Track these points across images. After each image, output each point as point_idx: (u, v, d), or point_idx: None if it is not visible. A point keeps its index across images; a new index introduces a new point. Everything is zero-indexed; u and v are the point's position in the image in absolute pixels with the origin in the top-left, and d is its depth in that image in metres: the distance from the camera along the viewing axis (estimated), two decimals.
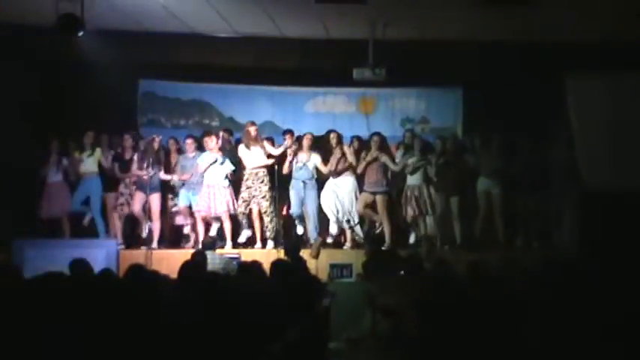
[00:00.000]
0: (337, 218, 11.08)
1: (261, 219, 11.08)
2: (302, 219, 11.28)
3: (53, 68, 11.64)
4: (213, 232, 11.10)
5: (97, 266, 7.30)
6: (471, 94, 12.45)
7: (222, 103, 12.79)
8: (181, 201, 11.28)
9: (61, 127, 11.63)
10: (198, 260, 8.14)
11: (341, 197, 11.10)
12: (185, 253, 9.75)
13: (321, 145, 11.47)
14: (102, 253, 10.12)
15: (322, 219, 11.26)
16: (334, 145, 11.20)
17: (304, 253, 9.60)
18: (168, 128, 12.54)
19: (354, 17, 10.59)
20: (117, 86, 11.67)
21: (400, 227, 11.39)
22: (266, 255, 9.95)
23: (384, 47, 11.00)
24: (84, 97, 11.84)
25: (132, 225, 11.50)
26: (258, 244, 11.07)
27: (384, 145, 11.36)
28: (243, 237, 11.12)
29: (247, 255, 10.12)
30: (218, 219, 11.08)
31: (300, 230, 11.33)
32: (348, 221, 10.99)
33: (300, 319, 5.59)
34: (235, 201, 11.02)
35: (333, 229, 11.11)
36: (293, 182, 11.20)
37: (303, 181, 11.12)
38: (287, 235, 11.28)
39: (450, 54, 11.45)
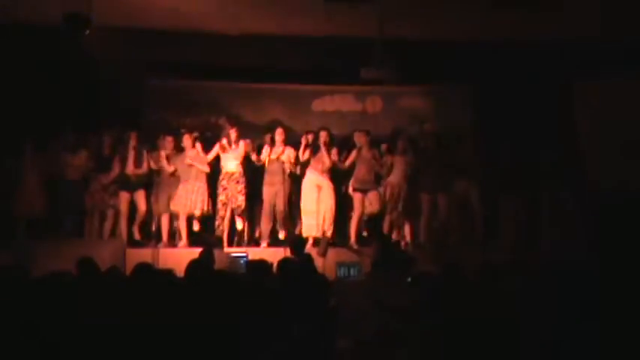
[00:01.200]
0: (315, 223, 10.92)
1: (234, 219, 11.03)
2: (274, 215, 11.13)
3: (59, 67, 11.61)
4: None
5: (104, 265, 7.29)
6: (479, 93, 12.44)
7: (229, 101, 12.78)
8: (160, 206, 11.14)
9: (64, 125, 11.55)
10: (205, 259, 8.13)
11: (321, 199, 10.93)
12: (192, 252, 9.75)
13: (310, 140, 11.33)
14: (108, 252, 10.09)
15: (294, 216, 11.16)
16: (321, 145, 11.06)
17: (311, 251, 9.58)
18: (175, 126, 12.51)
19: (361, 16, 10.56)
20: (124, 85, 11.67)
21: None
22: (273, 253, 9.91)
23: (392, 46, 10.95)
24: (90, 96, 11.83)
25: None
26: (225, 244, 10.98)
27: (369, 141, 11.23)
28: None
29: (254, 253, 10.10)
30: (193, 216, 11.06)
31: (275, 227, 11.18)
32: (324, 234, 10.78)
33: (308, 318, 5.57)
34: (209, 200, 10.95)
35: (308, 231, 10.95)
36: (266, 177, 11.06)
37: (278, 176, 10.96)
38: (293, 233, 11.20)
39: (458, 53, 11.44)
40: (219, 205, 10.96)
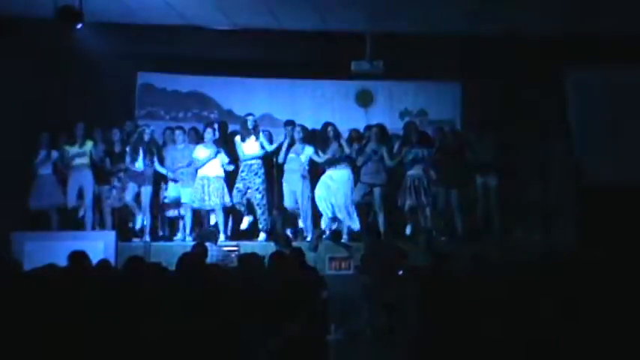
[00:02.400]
0: (327, 214, 10.96)
1: (254, 211, 11.08)
2: (295, 212, 11.24)
3: (51, 61, 11.58)
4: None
5: (96, 258, 7.31)
6: (470, 88, 12.45)
7: (220, 95, 12.78)
8: (170, 192, 11.23)
9: (58, 119, 11.54)
10: (198, 252, 8.15)
11: (334, 191, 10.94)
12: (184, 246, 9.77)
13: (317, 136, 11.43)
14: (100, 245, 10.10)
15: (315, 213, 11.19)
16: (331, 138, 11.14)
17: (303, 246, 9.60)
18: (167, 120, 12.54)
19: (352, 10, 10.59)
20: (115, 78, 11.65)
21: (396, 219, 11.33)
22: (265, 248, 9.94)
23: (383, 40, 10.99)
24: (82, 90, 11.81)
25: (124, 217, 11.43)
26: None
27: (383, 137, 11.30)
28: (245, 223, 11.13)
29: (246, 247, 10.12)
30: (211, 211, 11.13)
31: (294, 223, 11.31)
32: (335, 219, 10.83)
33: (299, 311, 5.60)
34: (229, 194, 11.01)
35: (324, 224, 11.03)
36: (286, 175, 11.15)
37: (296, 174, 11.04)
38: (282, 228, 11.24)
39: (448, 47, 11.44)
40: (242, 200, 11.01)
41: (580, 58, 11.16)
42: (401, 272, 7.93)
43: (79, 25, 9.38)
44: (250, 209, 11.14)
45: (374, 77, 11.62)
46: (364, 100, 12.82)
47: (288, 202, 11.14)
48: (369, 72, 11.05)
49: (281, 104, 12.72)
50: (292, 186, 11.07)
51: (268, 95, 12.76)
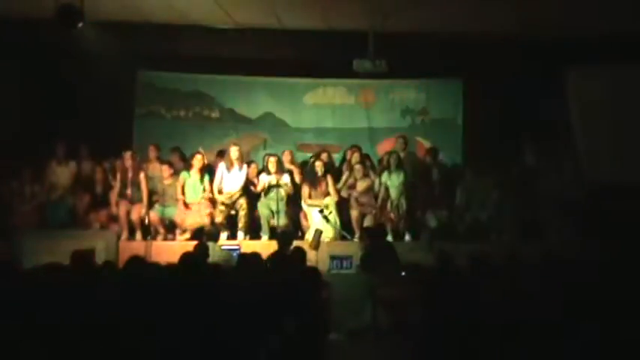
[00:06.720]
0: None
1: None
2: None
3: (51, 60, 11.58)
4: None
5: (97, 257, 7.31)
6: (471, 86, 12.46)
7: (221, 94, 12.78)
8: (153, 212, 10.98)
9: (58, 119, 11.52)
10: (199, 252, 8.14)
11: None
12: (184, 245, 9.74)
13: (306, 172, 11.33)
14: (101, 244, 10.10)
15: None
16: (320, 174, 11.00)
17: (304, 244, 9.57)
18: (168, 119, 12.54)
19: (354, 9, 10.58)
20: (116, 77, 11.63)
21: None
22: (266, 247, 9.92)
23: (384, 39, 10.98)
24: (82, 88, 11.81)
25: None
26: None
27: (364, 161, 11.33)
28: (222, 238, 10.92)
29: (247, 247, 10.10)
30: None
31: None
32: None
33: (300, 310, 5.59)
34: (211, 214, 10.87)
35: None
36: (263, 202, 10.96)
37: (273, 202, 10.90)
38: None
39: (449, 46, 11.45)
40: (221, 215, 10.85)
41: (581, 58, 11.14)
42: (404, 272, 7.90)
43: (80, 24, 9.36)
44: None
45: (376, 76, 11.59)
46: (366, 98, 12.82)
47: (267, 225, 10.89)
48: (371, 71, 11.02)
49: (282, 103, 12.74)
50: (270, 215, 10.86)
51: (269, 94, 12.77)
